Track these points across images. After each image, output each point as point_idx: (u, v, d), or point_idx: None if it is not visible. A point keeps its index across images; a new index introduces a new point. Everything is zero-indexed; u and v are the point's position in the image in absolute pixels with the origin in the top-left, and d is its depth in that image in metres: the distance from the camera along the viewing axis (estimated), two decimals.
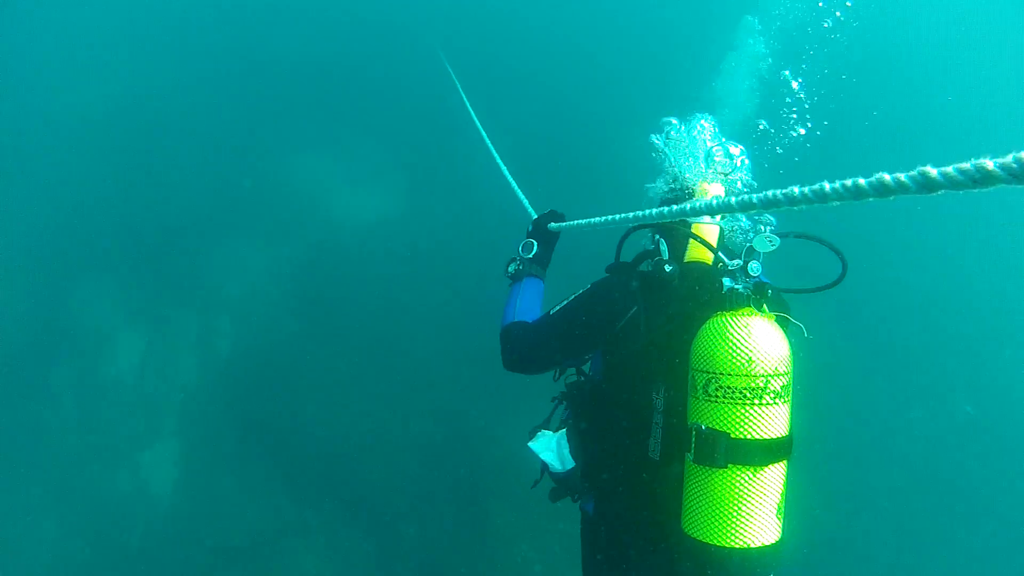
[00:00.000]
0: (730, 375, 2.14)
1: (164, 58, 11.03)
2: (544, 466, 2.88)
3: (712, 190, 2.80)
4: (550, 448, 2.84)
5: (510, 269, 3.09)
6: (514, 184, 3.81)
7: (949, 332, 9.36)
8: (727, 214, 1.75)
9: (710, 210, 1.52)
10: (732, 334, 2.16)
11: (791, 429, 2.27)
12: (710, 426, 2.18)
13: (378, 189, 9.84)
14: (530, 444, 2.90)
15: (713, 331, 2.21)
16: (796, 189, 1.20)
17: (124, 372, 8.18)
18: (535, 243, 3.10)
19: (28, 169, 9.74)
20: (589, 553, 2.84)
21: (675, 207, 1.74)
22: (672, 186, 2.91)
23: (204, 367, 8.30)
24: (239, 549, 7.05)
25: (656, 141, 3.01)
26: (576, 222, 2.84)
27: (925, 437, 8.68)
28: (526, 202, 3.63)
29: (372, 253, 9.06)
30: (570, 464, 2.80)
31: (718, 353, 2.16)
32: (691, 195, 2.82)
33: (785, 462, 2.27)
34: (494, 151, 4.28)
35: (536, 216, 3.27)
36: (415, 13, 11.61)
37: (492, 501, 7.22)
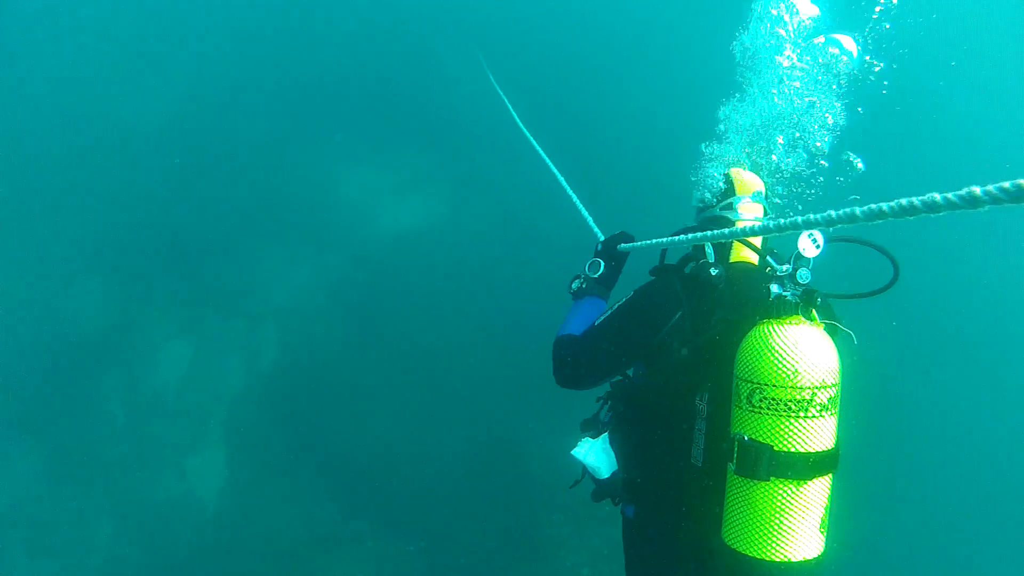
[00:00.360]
0: (775, 386, 2.09)
1: (210, 70, 11.25)
2: (584, 468, 2.86)
3: (748, 180, 2.73)
4: (593, 453, 2.83)
5: (573, 286, 3.06)
6: (578, 203, 3.74)
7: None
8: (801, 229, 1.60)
9: (808, 225, 1.42)
10: (778, 344, 2.11)
11: (838, 442, 2.22)
12: (753, 437, 2.14)
13: (422, 199, 9.92)
14: (573, 452, 2.89)
15: (758, 340, 2.16)
16: (905, 201, 1.07)
17: (171, 380, 8.33)
18: (602, 263, 3.05)
19: (77, 180, 9.98)
20: (630, 558, 2.82)
21: (766, 222, 1.66)
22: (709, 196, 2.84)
23: (250, 375, 8.42)
24: (285, 555, 7.12)
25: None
26: (646, 242, 2.81)
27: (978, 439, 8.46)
28: (591, 221, 3.56)
29: (416, 262, 9.12)
30: (613, 468, 2.79)
31: (763, 363, 2.12)
32: (730, 184, 2.75)
33: (831, 475, 2.23)
34: (554, 168, 4.20)
35: (604, 237, 3.22)
36: (458, 24, 11.69)
37: (539, 507, 7.21)
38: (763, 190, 2.74)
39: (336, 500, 7.43)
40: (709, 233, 2.12)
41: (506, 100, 6.20)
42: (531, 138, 4.85)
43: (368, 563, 7.01)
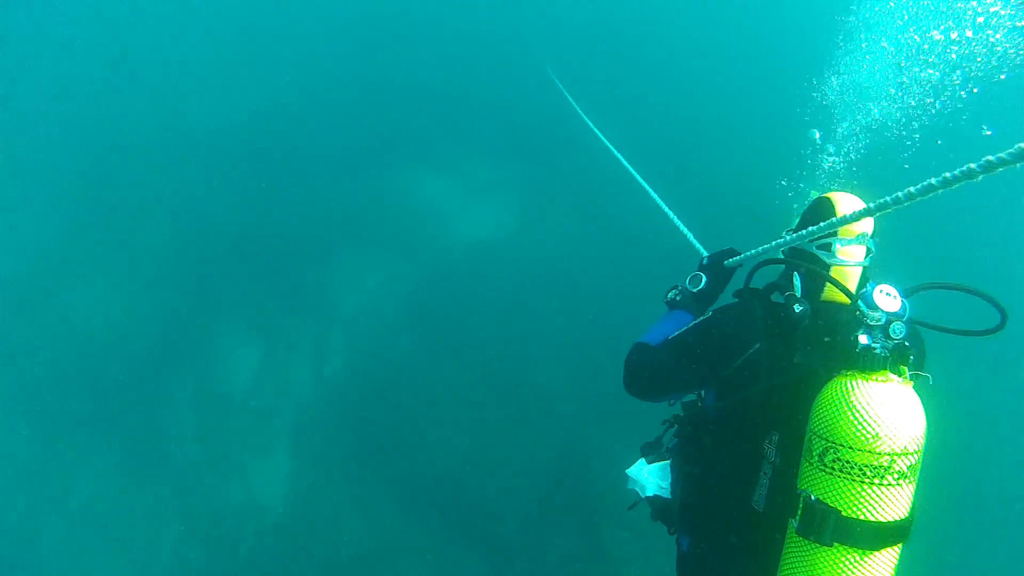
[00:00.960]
0: (851, 448, 1.93)
1: (286, 78, 11.44)
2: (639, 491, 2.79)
3: (844, 201, 2.46)
4: (646, 471, 2.74)
5: (668, 296, 2.94)
6: (675, 218, 3.60)
7: None
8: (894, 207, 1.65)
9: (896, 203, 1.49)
10: (859, 403, 1.95)
11: (913, 510, 2.06)
12: (820, 498, 2.00)
13: (498, 208, 9.84)
14: (628, 471, 2.82)
15: (838, 395, 2.00)
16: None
17: (241, 384, 8.45)
18: (704, 277, 2.91)
19: (154, 186, 10.25)
20: None
21: (865, 208, 1.69)
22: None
23: (319, 380, 8.46)
24: (347, 563, 7.13)
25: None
26: (750, 252, 2.71)
27: None
28: (691, 236, 3.42)
29: (490, 269, 9.00)
30: (666, 495, 2.69)
31: (841, 422, 1.96)
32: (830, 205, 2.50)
33: (901, 546, 2.07)
34: (646, 185, 4.06)
35: (708, 253, 3.09)
36: (529, 31, 11.57)
37: (606, 523, 7.02)
38: (871, 231, 2.44)
39: (400, 509, 7.38)
40: (813, 228, 2.08)
41: (587, 119, 6.08)
42: (622, 158, 4.71)
43: (430, 574, 6.96)
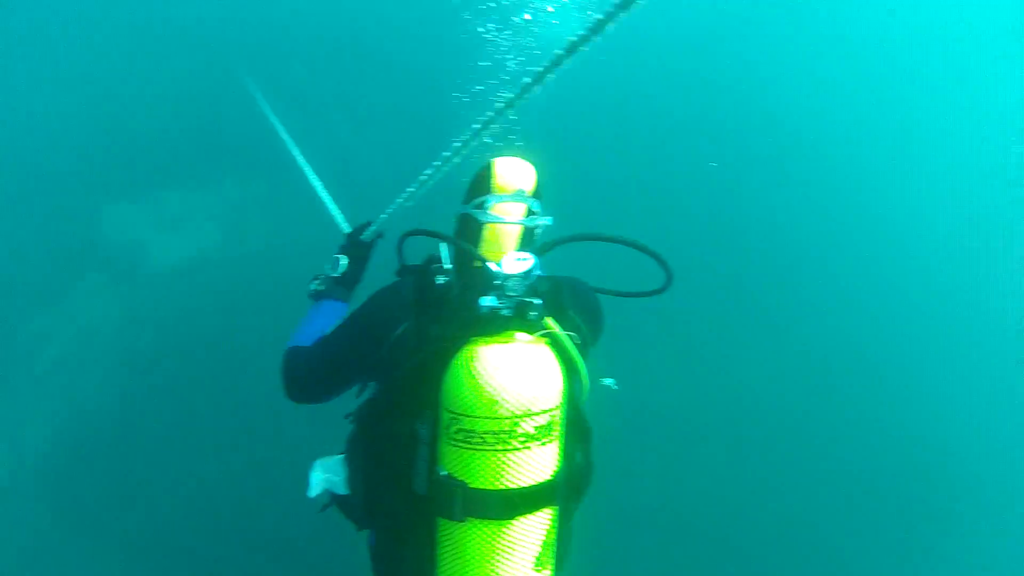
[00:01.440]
0: (469, 417, 1.84)
1: None
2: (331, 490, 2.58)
3: (508, 174, 2.33)
4: (321, 467, 2.50)
5: (311, 287, 2.71)
6: (325, 195, 3.33)
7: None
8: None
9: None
10: (475, 368, 1.85)
11: (557, 473, 2.01)
12: (451, 473, 1.90)
13: (192, 231, 9.12)
14: (316, 462, 2.59)
15: (458, 364, 1.90)
16: None
17: None
18: (343, 259, 2.70)
19: None
20: None
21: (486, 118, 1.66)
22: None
23: (17, 450, 7.35)
24: None
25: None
26: (381, 216, 2.54)
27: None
28: (336, 213, 3.06)
29: (189, 298, 8.28)
30: (339, 490, 2.50)
31: (460, 391, 1.86)
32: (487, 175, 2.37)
33: (552, 509, 2.02)
34: (299, 156, 3.72)
35: (349, 229, 2.87)
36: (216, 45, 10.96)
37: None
38: (530, 188, 2.31)
39: (128, 562, 6.53)
40: (426, 172, 1.99)
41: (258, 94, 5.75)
42: (274, 119, 4.37)
43: None
